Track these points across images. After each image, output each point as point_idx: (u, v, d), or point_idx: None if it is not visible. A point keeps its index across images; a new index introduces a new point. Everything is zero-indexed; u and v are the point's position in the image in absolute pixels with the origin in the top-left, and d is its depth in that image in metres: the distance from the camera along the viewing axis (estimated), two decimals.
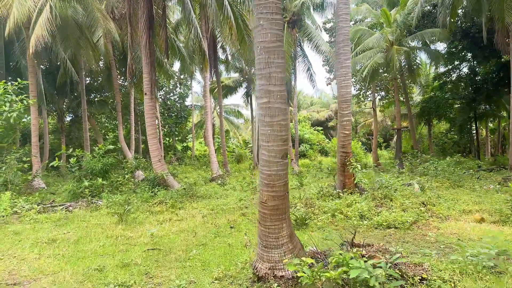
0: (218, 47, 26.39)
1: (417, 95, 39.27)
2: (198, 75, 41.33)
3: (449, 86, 29.70)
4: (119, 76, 29.95)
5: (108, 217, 10.05)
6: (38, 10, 15.51)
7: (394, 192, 10.65)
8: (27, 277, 5.53)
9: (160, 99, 36.62)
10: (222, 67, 32.49)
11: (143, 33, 14.13)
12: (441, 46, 30.63)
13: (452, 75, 29.92)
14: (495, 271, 4.89)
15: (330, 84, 44.48)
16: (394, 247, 5.65)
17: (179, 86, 39.52)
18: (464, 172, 16.69)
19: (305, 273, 3.76)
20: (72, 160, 13.62)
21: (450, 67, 29.06)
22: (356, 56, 26.34)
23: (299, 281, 4.38)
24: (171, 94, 39.01)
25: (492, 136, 40.46)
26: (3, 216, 9.91)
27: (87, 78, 31.13)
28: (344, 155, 11.08)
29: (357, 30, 25.70)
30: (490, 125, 38.27)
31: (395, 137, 47.57)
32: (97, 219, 9.81)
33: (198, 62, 30.10)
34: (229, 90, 35.79)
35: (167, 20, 19.25)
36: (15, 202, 11.21)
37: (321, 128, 54.41)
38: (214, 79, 26.68)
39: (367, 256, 4.75)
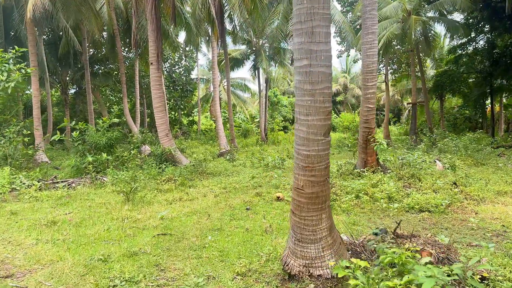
0: (225, 16, 25.17)
1: (429, 69, 37.94)
2: (204, 47, 40.22)
3: (464, 60, 28.40)
4: (123, 48, 28.97)
5: (113, 195, 9.37)
6: None
7: (419, 170, 9.87)
8: (21, 268, 4.84)
9: (165, 72, 35.62)
10: (229, 39, 31.24)
11: None
12: (457, 18, 29.20)
13: (468, 48, 28.62)
14: None
15: (341, 56, 43.13)
16: (439, 236, 4.90)
17: (184, 59, 38.40)
18: (482, 149, 15.92)
19: (358, 279, 3.01)
20: (74, 133, 12.86)
21: (466, 39, 27.73)
22: None
23: (342, 284, 3.66)
24: (176, 67, 37.95)
25: (505, 111, 39.29)
26: (1, 194, 9.25)
27: (91, 50, 30.20)
28: (367, 130, 10.19)
29: None
30: (504, 100, 37.03)
31: (406, 112, 46.58)
32: (102, 198, 9.13)
33: (204, 33, 29.03)
34: (236, 62, 34.62)
35: None
36: (15, 178, 10.55)
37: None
38: (221, 51, 25.61)
39: (417, 251, 4.00)
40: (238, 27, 29.09)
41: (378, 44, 22.36)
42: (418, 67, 27.61)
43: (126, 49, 31.40)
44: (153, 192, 9.57)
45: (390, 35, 21.85)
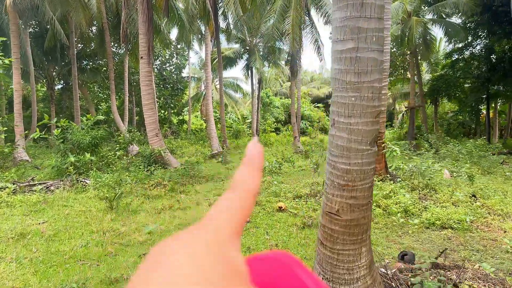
0: (219, 13, 24.25)
1: (425, 73, 37.52)
2: (196, 45, 39.28)
3: (460, 65, 27.95)
4: (112, 43, 27.91)
5: (95, 201, 8.40)
6: None
7: (429, 180, 9.11)
8: None
9: (156, 69, 34.60)
10: (222, 37, 30.29)
11: None
12: (454, 21, 28.73)
13: (465, 53, 28.22)
14: None
15: None
16: (482, 265, 4.09)
17: (176, 56, 37.43)
18: (485, 156, 15.34)
19: None
20: (56, 131, 11.83)
21: (463, 44, 27.31)
22: None
23: None
24: (167, 65, 36.97)
25: (498, 118, 39.08)
26: None
27: (79, 45, 29.13)
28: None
29: None
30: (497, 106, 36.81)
31: (400, 116, 46.23)
32: (82, 204, 8.15)
33: (197, 31, 28.07)
34: (229, 61, 33.77)
35: None
36: None
37: (323, 105, 52.85)
38: (214, 49, 24.74)
39: None
40: (232, 25, 28.22)
41: None
42: (416, 70, 27.06)
43: (116, 45, 30.36)
44: (140, 199, 8.63)
45: (391, 37, 21.15)
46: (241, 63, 35.17)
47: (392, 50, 27.49)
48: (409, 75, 28.65)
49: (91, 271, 4.57)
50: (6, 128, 13.12)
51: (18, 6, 15.58)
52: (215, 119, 33.69)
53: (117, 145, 13.59)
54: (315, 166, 12.09)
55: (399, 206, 7.15)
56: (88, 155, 11.56)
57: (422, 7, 24.46)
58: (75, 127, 12.50)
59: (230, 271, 0.25)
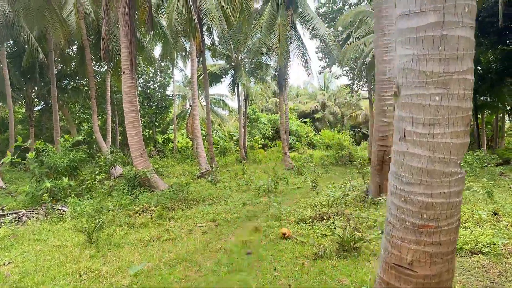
0: (204, 29, 23.60)
1: None
2: (180, 63, 38.65)
3: None
4: (94, 62, 27.04)
5: (72, 233, 7.38)
6: None
7: None
8: None
9: (140, 87, 33.71)
10: (207, 54, 29.61)
11: None
12: None
13: None
14: None
15: (323, 72, 42.47)
16: None
17: (159, 74, 36.68)
18: (482, 167, 14.91)
19: None
20: (30, 154, 10.78)
21: None
22: (354, 42, 24.21)
23: None
24: (151, 83, 36.15)
25: (485, 129, 39.15)
26: None
27: (60, 64, 28.17)
28: (383, 149, 8.57)
29: (358, 12, 23.34)
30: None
31: None
32: (58, 238, 7.12)
33: (181, 48, 27.39)
34: (214, 78, 33.11)
35: None
36: None
37: (310, 120, 52.59)
38: (200, 66, 24.03)
39: None
40: (217, 41, 27.56)
41: (368, 57, 21.40)
42: None
43: (98, 63, 29.46)
44: (124, 228, 7.63)
45: None
46: (227, 80, 34.63)
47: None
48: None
49: None
50: None
51: None
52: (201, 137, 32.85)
53: (98, 168, 12.49)
54: (313, 185, 11.27)
55: None
56: (65, 180, 10.51)
57: None
58: (50, 149, 11.46)
59: None
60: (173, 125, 39.01)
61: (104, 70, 29.13)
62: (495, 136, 35.92)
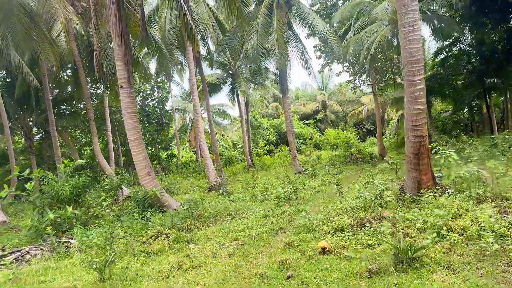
0: (198, 38, 22.88)
1: None
2: (176, 76, 38.04)
3: (450, 62, 27.01)
4: (89, 84, 26.40)
5: (82, 270, 6.51)
6: None
7: (478, 186, 7.45)
8: None
9: (138, 105, 33.04)
10: (204, 64, 28.85)
11: (110, 6, 10.49)
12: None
13: (453, 50, 27.41)
14: None
15: (323, 71, 41.85)
16: None
17: (157, 90, 36.09)
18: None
19: None
20: (29, 185, 9.94)
21: (450, 41, 26.55)
22: (354, 35, 23.41)
23: None
24: (150, 100, 35.55)
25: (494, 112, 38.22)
26: None
27: (55, 90, 27.53)
28: (418, 140, 7.62)
29: (356, 3, 22.53)
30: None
31: (395, 123, 45.24)
32: (65, 277, 6.24)
33: (176, 60, 26.69)
34: (213, 88, 32.44)
35: None
36: None
37: (314, 121, 51.84)
38: (198, 77, 23.28)
39: None
40: (213, 50, 26.77)
41: (371, 49, 20.59)
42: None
43: (94, 86, 28.78)
44: (139, 258, 6.73)
45: (382, 38, 20.03)
46: (226, 88, 34.03)
47: (379, 56, 26.31)
48: (398, 80, 27.57)
49: None
50: None
51: None
52: None
53: (103, 194, 11.56)
54: (338, 187, 10.37)
55: (480, 227, 5.45)
56: (70, 209, 9.66)
57: None
58: (50, 176, 10.61)
59: None
60: (175, 140, 38.37)
61: (100, 91, 28.49)
62: (506, 118, 34.93)
